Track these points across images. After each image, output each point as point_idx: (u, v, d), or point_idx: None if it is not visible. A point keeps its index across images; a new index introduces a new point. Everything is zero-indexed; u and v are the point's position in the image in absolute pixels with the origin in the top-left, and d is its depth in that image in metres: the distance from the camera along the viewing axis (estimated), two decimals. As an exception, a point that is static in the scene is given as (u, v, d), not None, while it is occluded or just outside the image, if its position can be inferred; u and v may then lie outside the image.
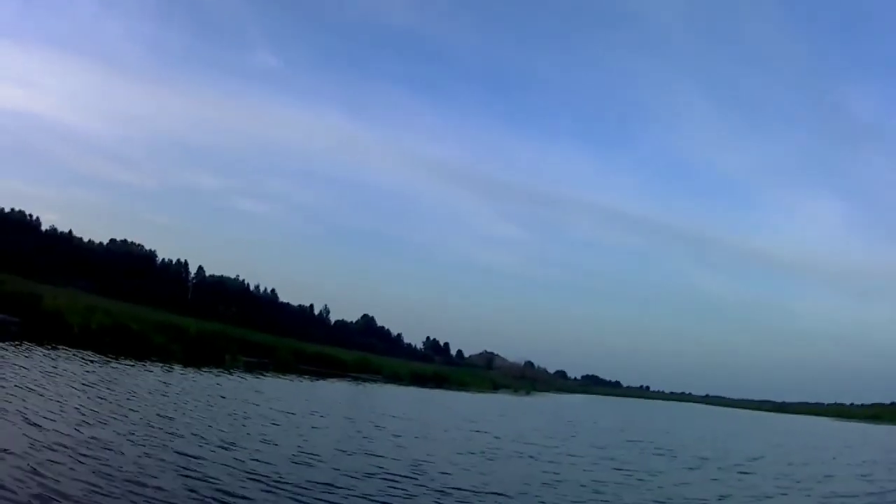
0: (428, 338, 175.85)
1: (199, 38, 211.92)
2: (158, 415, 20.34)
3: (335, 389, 52.91)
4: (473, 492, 15.28)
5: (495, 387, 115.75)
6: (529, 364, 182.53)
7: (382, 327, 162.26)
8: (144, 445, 15.17)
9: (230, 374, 46.61)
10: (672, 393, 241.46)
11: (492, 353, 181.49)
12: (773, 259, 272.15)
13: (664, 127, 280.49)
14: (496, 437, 29.36)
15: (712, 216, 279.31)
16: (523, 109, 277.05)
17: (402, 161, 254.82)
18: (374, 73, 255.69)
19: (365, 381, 71.41)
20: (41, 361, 29.64)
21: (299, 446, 18.60)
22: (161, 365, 41.19)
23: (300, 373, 61.93)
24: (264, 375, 51.77)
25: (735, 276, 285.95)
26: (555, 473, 19.84)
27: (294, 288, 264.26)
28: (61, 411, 17.60)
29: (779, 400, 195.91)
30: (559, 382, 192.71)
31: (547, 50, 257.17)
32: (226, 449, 16.49)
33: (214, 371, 45.45)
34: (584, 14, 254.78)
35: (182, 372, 40.19)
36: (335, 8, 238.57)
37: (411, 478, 16.02)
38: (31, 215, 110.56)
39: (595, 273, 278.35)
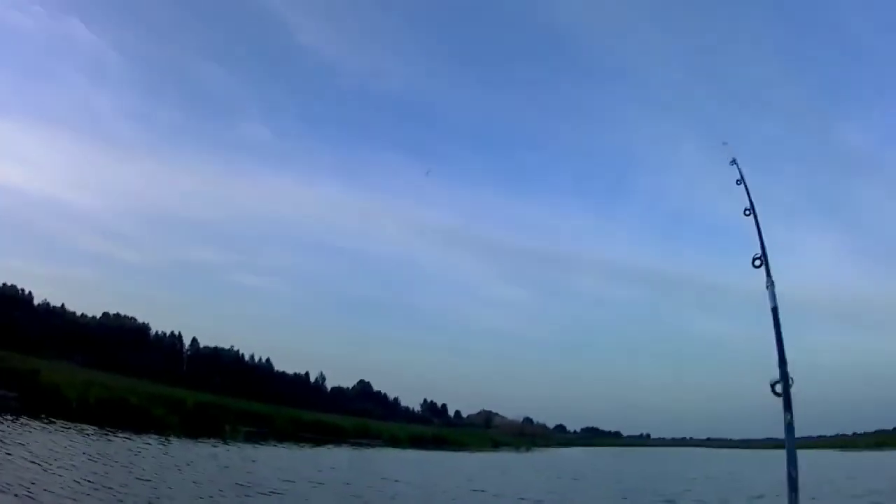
0: (425, 400, 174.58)
1: (189, 111, 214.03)
2: (154, 488, 20.19)
3: (334, 456, 52.53)
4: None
5: (495, 445, 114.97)
6: (528, 420, 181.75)
7: (379, 392, 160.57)
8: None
9: (229, 444, 46.23)
10: (673, 439, 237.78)
11: (490, 412, 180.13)
12: (782, 299, 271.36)
13: (661, 176, 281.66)
14: (495, 496, 29.16)
15: (713, 261, 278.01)
16: (520, 169, 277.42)
17: (398, 226, 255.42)
18: (369, 140, 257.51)
19: (364, 446, 70.90)
20: (39, 436, 29.49)
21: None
22: (160, 437, 40.85)
23: (299, 441, 61.41)
24: (263, 445, 51.41)
25: (737, 319, 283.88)
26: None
27: (289, 356, 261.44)
28: (56, 486, 17.42)
29: (781, 437, 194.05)
30: (559, 437, 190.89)
31: (541, 109, 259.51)
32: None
33: (213, 442, 45.14)
34: (576, 71, 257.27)
35: (181, 444, 39.95)
36: (326, 77, 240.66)
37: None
38: (23, 290, 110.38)
39: (595, 326, 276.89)
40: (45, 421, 36.31)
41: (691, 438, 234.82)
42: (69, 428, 35.85)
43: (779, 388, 4.49)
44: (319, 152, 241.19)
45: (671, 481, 43.72)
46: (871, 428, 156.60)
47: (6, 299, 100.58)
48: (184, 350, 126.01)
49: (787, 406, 4.51)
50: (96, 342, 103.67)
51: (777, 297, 5.75)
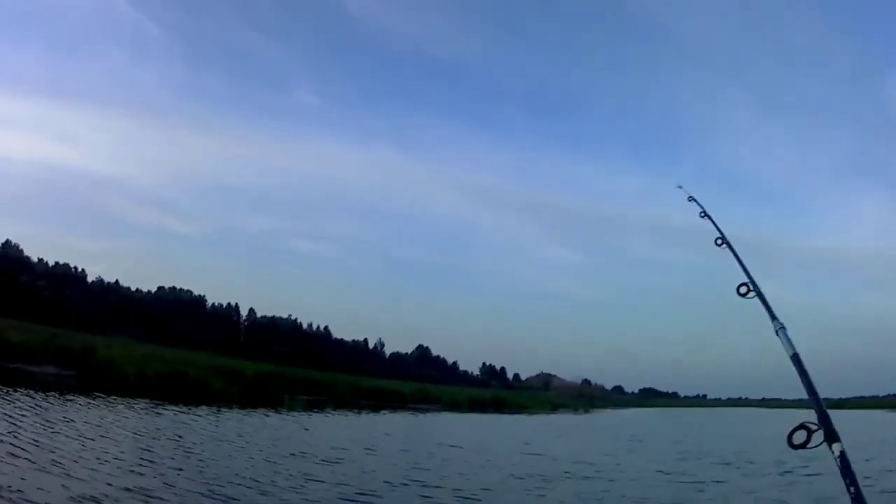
0: (484, 363, 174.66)
1: (236, 81, 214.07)
2: (202, 459, 19.78)
3: (393, 421, 52.54)
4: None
5: (554, 407, 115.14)
6: (587, 382, 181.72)
7: (438, 356, 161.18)
8: (187, 492, 14.59)
9: (289, 414, 46.13)
10: (729, 399, 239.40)
11: (548, 374, 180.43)
12: (830, 258, 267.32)
13: (713, 137, 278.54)
14: (553, 459, 28.55)
15: (767, 222, 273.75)
16: (573, 132, 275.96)
17: (453, 191, 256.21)
18: (422, 106, 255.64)
19: (424, 411, 70.97)
20: (97, 412, 29.22)
21: (351, 483, 17.88)
22: (219, 409, 40.75)
23: (359, 408, 61.49)
24: (323, 413, 51.32)
25: (792, 279, 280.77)
26: (606, 491, 19.50)
27: (348, 324, 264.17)
28: (112, 462, 16.97)
29: (835, 397, 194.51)
30: (617, 398, 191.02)
31: (593, 71, 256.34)
32: (273, 490, 15.98)
33: (273, 412, 44.93)
34: (627, 33, 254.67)
35: (241, 414, 39.89)
36: (375, 42, 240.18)
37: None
38: (76, 267, 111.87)
39: (651, 289, 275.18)
40: (104, 398, 36.10)
41: (747, 399, 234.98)
42: (130, 405, 35.74)
43: (798, 438, 3.29)
44: (371, 118, 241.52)
45: (727, 442, 43.63)
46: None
47: (59, 277, 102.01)
48: (241, 321, 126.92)
49: (848, 473, 3.11)
50: (152, 316, 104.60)
51: (794, 342, 4.04)
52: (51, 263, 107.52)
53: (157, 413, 33.56)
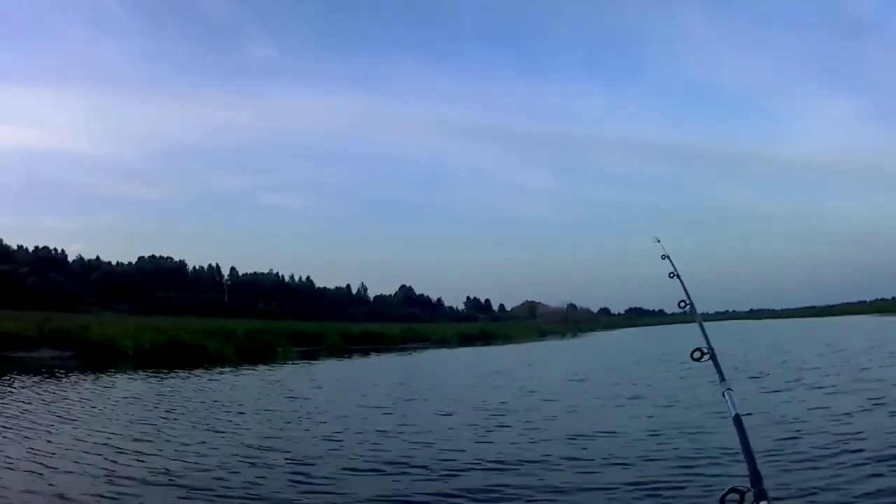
0: (468, 297, 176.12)
1: (194, 43, 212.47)
2: (203, 417, 20.20)
3: (381, 363, 52.96)
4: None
5: (542, 334, 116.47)
6: (572, 307, 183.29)
7: (422, 295, 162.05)
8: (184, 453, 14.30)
9: (282, 365, 46.65)
10: (717, 313, 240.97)
11: (534, 302, 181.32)
12: (803, 164, 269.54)
13: (672, 50, 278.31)
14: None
15: (736, 131, 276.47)
16: (531, 56, 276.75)
17: (419, 127, 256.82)
18: (377, 45, 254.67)
19: (413, 350, 71.79)
20: (105, 386, 29.90)
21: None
22: (219, 369, 40.97)
23: (350, 353, 62.24)
24: (317, 361, 51.99)
25: (768, 188, 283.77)
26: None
27: (329, 272, 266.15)
28: (123, 432, 17.07)
29: (823, 304, 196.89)
30: (604, 320, 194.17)
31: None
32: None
33: (269, 365, 45.30)
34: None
35: (237, 371, 40.11)
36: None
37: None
38: (56, 249, 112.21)
39: (628, 206, 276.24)
40: (108, 373, 36.59)
41: (734, 311, 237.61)
42: (133, 376, 36.51)
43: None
44: (328, 63, 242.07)
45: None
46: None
47: (41, 261, 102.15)
48: (224, 281, 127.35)
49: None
50: (137, 288, 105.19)
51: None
52: (30, 248, 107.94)
53: (172, 379, 33.75)
